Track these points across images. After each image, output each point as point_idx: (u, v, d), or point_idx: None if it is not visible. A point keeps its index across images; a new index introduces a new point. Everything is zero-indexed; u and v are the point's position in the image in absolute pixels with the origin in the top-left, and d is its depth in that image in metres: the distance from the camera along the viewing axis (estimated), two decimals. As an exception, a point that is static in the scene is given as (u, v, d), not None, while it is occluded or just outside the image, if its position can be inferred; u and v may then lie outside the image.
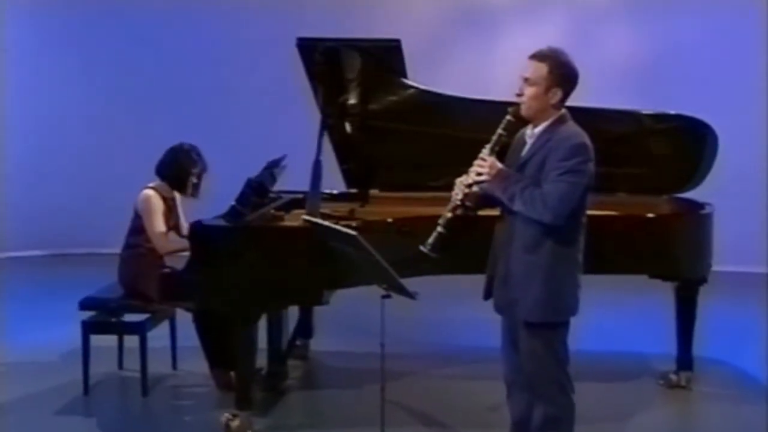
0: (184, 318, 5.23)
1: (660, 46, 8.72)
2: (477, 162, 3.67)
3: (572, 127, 3.60)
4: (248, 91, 9.20)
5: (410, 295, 3.69)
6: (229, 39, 9.22)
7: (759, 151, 8.38)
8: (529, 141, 3.66)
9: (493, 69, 8.33)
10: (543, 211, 3.48)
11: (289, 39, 4.97)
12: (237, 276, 4.39)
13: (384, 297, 3.75)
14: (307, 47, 4.86)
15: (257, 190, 4.71)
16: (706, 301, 5.31)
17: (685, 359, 5.28)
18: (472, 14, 9.03)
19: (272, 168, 5.05)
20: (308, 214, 4.48)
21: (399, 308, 3.85)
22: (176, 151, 5.20)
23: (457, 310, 6.38)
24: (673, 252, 5.09)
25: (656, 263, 5.05)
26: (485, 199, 3.78)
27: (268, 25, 8.94)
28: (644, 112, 5.32)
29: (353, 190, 5.72)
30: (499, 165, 3.64)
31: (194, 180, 5.20)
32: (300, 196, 5.26)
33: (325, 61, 4.84)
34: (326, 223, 4.00)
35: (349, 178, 5.65)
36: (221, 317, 4.70)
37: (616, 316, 6.86)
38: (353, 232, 3.61)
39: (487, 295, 3.82)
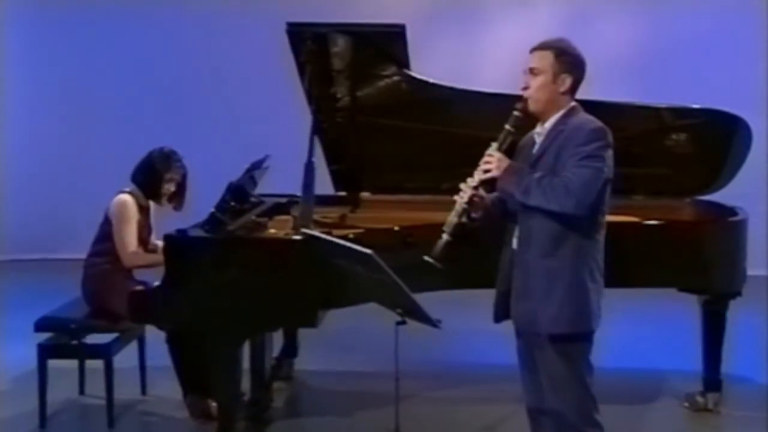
0: (155, 335, 4.73)
1: (657, 38, 8.40)
2: (483, 159, 3.45)
3: (585, 116, 3.42)
4: (230, 84, 8.90)
5: (432, 323, 3.34)
6: (209, 27, 8.89)
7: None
8: (539, 138, 3.47)
9: (477, 60, 8.15)
10: (565, 199, 3.24)
11: (273, 25, 4.69)
12: (219, 294, 4.00)
13: (399, 323, 3.39)
14: (298, 34, 4.48)
15: (236, 194, 4.36)
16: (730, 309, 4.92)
17: (712, 379, 4.91)
18: (455, 2, 8.73)
19: (253, 171, 4.70)
20: (301, 223, 4.14)
21: (393, 321, 3.45)
22: (153, 154, 4.83)
23: (461, 321, 5.84)
24: (707, 263, 4.71)
25: (688, 275, 4.67)
26: (496, 209, 3.57)
27: (249, 11, 8.65)
28: (664, 106, 4.95)
29: (341, 193, 5.36)
30: (508, 160, 3.42)
31: (170, 187, 4.83)
32: (283, 200, 4.99)
33: (317, 49, 4.49)
34: (332, 238, 3.60)
35: (338, 179, 5.27)
36: (199, 338, 4.28)
37: (635, 329, 6.45)
38: (368, 251, 3.21)
39: (499, 316, 3.57)
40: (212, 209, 4.16)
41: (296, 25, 4.49)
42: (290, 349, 5.40)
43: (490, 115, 4.60)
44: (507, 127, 3.42)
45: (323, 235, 3.65)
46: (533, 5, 8.60)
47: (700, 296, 4.85)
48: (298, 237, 4.02)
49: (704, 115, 4.89)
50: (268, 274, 3.99)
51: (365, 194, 5.33)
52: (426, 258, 3.41)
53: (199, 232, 4.13)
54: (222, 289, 3.98)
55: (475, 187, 3.44)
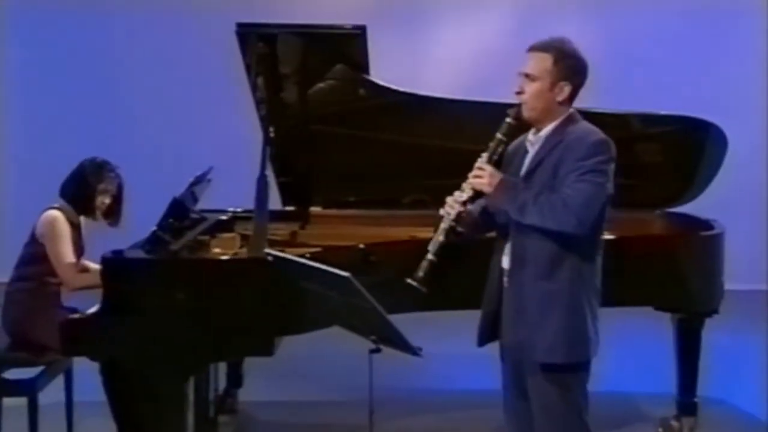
0: (84, 367, 4.35)
1: (616, 41, 8.24)
2: (473, 173, 3.21)
3: (585, 125, 3.22)
4: (173, 89, 8.41)
5: (413, 351, 3.09)
6: (149, 27, 8.45)
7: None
8: (533, 147, 3.25)
9: (422, 66, 7.92)
10: (565, 218, 3.04)
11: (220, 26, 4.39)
12: (166, 321, 3.71)
13: (373, 351, 3.14)
14: (249, 35, 4.21)
15: (175, 211, 4.09)
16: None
17: (687, 403, 4.74)
18: (400, 4, 8.50)
19: (196, 184, 4.45)
20: (256, 241, 3.89)
21: (361, 344, 3.23)
22: (84, 166, 4.55)
23: (436, 344, 5.61)
24: (681, 279, 4.54)
25: (661, 293, 4.48)
26: (483, 222, 3.36)
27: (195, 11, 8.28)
28: (632, 113, 4.78)
29: (289, 208, 5.05)
30: (501, 174, 3.20)
31: (105, 200, 4.55)
32: (224, 216, 4.76)
33: (268, 51, 4.24)
34: (303, 260, 3.33)
35: (286, 193, 4.96)
36: (141, 370, 3.96)
37: (603, 349, 6.22)
38: (345, 273, 2.93)
39: (483, 339, 3.37)
40: (154, 228, 3.87)
41: (246, 25, 4.23)
42: (234, 379, 5.08)
43: (456, 123, 4.44)
44: (498, 135, 3.20)
45: (292, 257, 3.37)
46: (483, 7, 8.42)
47: (674, 314, 4.67)
48: (257, 257, 3.76)
49: (674, 122, 4.74)
50: (221, 298, 3.71)
51: (316, 209, 5.06)
52: (409, 281, 3.20)
53: (140, 254, 3.83)
54: (169, 316, 3.71)
55: (464, 203, 3.21)
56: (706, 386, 4.88)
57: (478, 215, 3.31)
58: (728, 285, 4.64)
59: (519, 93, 3.18)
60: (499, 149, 3.21)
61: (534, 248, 3.13)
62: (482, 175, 3.15)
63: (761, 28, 8.23)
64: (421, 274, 3.20)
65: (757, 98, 8.12)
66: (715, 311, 4.64)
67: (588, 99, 3.35)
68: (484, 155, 3.20)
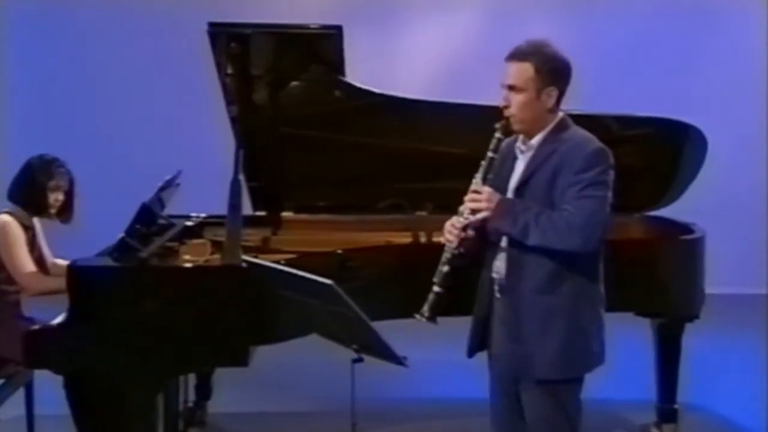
0: (46, 378, 4.15)
1: (588, 42, 8.02)
2: (469, 197, 3.11)
3: (579, 132, 3.13)
4: (142, 91, 8.19)
5: (398, 360, 2.98)
6: (119, 26, 8.23)
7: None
8: (524, 155, 3.15)
9: (393, 66, 7.82)
10: (570, 237, 2.95)
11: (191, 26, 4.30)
12: (136, 332, 3.62)
13: (355, 361, 3.06)
14: (221, 36, 4.10)
15: (142, 217, 3.99)
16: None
17: (667, 409, 4.72)
18: (369, 4, 8.38)
19: (165, 189, 4.35)
20: (230, 248, 3.78)
21: (341, 352, 3.16)
22: (32, 164, 4.41)
23: (421, 352, 5.52)
24: (661, 285, 4.50)
25: (641, 299, 4.42)
26: (483, 239, 3.21)
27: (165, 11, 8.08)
28: (610, 115, 4.67)
29: (260, 213, 4.91)
30: (498, 195, 3.09)
31: (58, 197, 4.40)
32: (190, 222, 4.60)
33: (240, 52, 4.13)
34: (284, 267, 3.20)
35: (257, 198, 4.82)
36: (109, 382, 3.85)
37: None
38: (328, 281, 2.85)
39: (473, 350, 3.28)
40: (122, 234, 3.76)
41: (218, 25, 4.12)
42: (203, 390, 4.95)
43: (434, 126, 4.39)
44: (489, 153, 3.10)
45: (271, 264, 3.26)
46: (452, 8, 8.32)
47: (654, 320, 4.63)
48: (232, 264, 3.67)
49: (652, 124, 4.69)
50: (195, 307, 3.62)
51: (288, 214, 4.93)
52: (417, 317, 3.12)
53: (109, 261, 3.72)
54: (139, 326, 3.61)
55: (464, 229, 3.08)
56: (686, 393, 4.85)
57: (477, 234, 3.17)
58: (708, 289, 4.59)
59: (506, 107, 3.06)
60: (492, 167, 3.11)
61: (533, 263, 3.04)
62: (479, 199, 3.05)
63: (743, 28, 8.23)
64: (428, 308, 3.11)
65: (739, 99, 8.08)
66: (696, 316, 4.60)
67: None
68: (478, 176, 3.10)
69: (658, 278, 4.49)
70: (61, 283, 4.05)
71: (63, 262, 4.22)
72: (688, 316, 4.58)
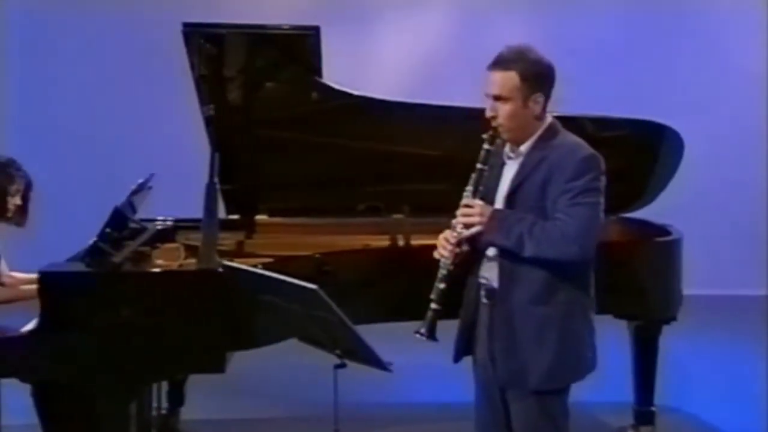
0: (13, 387, 4.07)
1: (561, 43, 7.58)
2: (461, 211, 3.05)
3: (569, 137, 3.08)
4: (109, 92, 8.03)
5: (383, 366, 2.96)
6: (91, 27, 8.07)
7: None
8: (512, 162, 3.09)
9: (365, 67, 7.75)
10: (566, 247, 2.92)
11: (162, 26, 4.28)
12: (111, 339, 3.55)
13: (338, 367, 3.02)
14: (195, 36, 4.05)
15: (113, 221, 3.87)
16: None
17: (644, 412, 4.71)
18: (341, 4, 8.30)
19: (136, 193, 4.26)
20: (205, 251, 3.75)
21: (323, 357, 3.11)
22: None
23: (404, 356, 5.48)
24: (642, 286, 4.52)
25: (622, 300, 4.37)
26: (474, 252, 3.15)
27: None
28: (586, 117, 4.62)
29: (233, 216, 4.81)
30: (491, 208, 3.04)
31: (16, 201, 4.26)
32: (160, 225, 4.51)
33: (215, 53, 4.10)
34: (263, 272, 3.24)
35: (230, 201, 4.73)
36: (80, 391, 3.77)
37: None
38: (313, 286, 2.80)
39: (460, 353, 3.21)
40: (94, 239, 3.65)
41: (193, 25, 4.06)
42: (176, 397, 4.81)
43: (412, 127, 4.35)
44: (478, 165, 3.04)
45: (250, 268, 3.23)
46: (425, 7, 8.28)
47: (631, 321, 4.61)
48: (209, 269, 3.62)
49: (628, 126, 4.68)
50: (170, 313, 3.56)
51: (261, 217, 4.84)
52: (416, 334, 3.03)
53: (80, 267, 3.63)
54: (112, 333, 3.55)
55: (458, 244, 3.02)
56: (663, 395, 4.84)
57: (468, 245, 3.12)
58: (686, 290, 4.60)
59: (493, 117, 3.00)
60: (483, 179, 3.05)
61: (527, 273, 2.99)
62: (472, 213, 3.00)
63: (721, 29, 8.27)
64: (427, 326, 3.03)
65: (717, 100, 8.13)
66: (673, 318, 4.61)
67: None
68: (469, 189, 3.04)
69: (635, 280, 4.47)
70: (16, 293, 4.04)
71: (19, 275, 4.17)
72: (664, 318, 4.58)
